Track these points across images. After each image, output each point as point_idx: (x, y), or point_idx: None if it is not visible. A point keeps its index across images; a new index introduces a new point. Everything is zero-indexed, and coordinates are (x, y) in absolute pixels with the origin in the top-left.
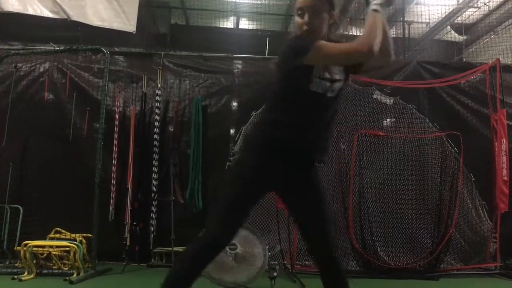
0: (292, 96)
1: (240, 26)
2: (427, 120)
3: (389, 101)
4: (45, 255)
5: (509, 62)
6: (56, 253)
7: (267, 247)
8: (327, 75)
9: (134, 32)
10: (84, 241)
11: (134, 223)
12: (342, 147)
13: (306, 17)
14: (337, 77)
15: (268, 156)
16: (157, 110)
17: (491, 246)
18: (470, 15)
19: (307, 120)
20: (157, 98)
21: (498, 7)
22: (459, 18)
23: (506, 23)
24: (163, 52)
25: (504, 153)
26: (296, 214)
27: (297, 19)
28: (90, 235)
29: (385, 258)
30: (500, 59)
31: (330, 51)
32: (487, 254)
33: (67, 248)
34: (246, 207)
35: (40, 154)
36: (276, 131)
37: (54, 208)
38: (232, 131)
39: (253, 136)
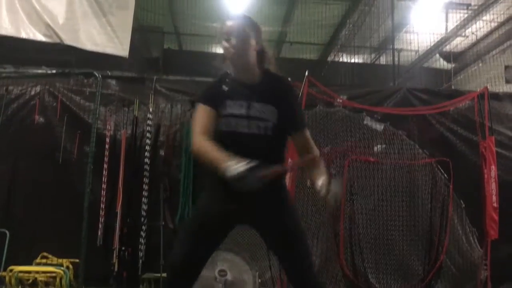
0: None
1: None
2: (417, 146)
3: (379, 127)
4: (31, 281)
5: (497, 90)
6: (42, 279)
7: (257, 273)
8: (229, 111)
9: (127, 57)
10: (71, 266)
11: (123, 248)
12: (333, 172)
13: (233, 41)
14: (259, 115)
15: None
16: (148, 134)
17: (482, 273)
18: (458, 43)
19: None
20: (149, 122)
21: (486, 36)
22: (447, 47)
23: (494, 52)
24: (155, 77)
25: (494, 179)
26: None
27: (224, 43)
28: (77, 260)
29: (376, 285)
30: (488, 87)
31: (194, 120)
32: (478, 282)
33: (54, 274)
34: None
35: (29, 177)
36: None
37: (42, 232)
38: None
39: None
